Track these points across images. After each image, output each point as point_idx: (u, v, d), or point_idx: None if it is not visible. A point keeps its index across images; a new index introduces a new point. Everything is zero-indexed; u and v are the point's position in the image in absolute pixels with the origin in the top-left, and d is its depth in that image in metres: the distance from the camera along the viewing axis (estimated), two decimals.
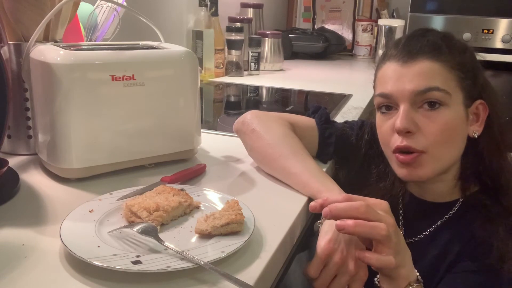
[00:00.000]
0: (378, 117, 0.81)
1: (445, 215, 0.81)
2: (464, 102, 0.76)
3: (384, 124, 0.79)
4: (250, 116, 0.87)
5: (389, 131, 0.77)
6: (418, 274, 0.67)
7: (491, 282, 0.71)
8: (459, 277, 0.74)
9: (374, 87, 0.84)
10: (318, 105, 0.96)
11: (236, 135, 0.91)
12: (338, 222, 0.60)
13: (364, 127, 0.93)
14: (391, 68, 0.77)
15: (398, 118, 0.74)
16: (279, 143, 0.81)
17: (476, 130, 0.78)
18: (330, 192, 0.71)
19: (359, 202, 0.62)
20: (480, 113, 0.78)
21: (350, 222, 0.60)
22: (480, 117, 0.78)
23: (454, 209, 0.80)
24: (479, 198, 0.79)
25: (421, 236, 0.82)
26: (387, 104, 0.78)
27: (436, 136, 0.74)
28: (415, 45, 0.76)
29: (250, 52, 1.90)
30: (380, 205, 0.65)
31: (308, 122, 0.92)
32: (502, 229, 0.73)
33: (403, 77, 0.75)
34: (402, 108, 0.75)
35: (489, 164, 0.78)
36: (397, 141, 0.75)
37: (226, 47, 1.85)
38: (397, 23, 2.40)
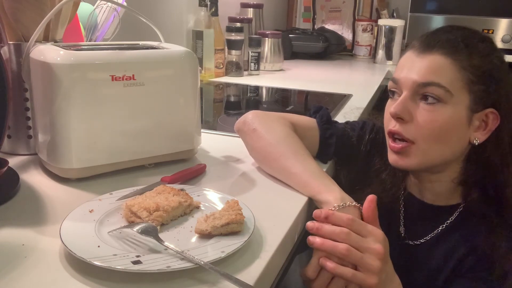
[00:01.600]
0: (388, 101, 0.83)
1: (446, 220, 0.80)
2: (471, 106, 0.74)
3: (389, 107, 0.80)
4: (251, 116, 0.87)
5: (389, 115, 0.79)
6: None
7: None
8: None
9: None
10: (320, 105, 0.96)
11: (236, 135, 0.91)
12: (310, 237, 0.66)
13: (366, 128, 0.93)
14: (407, 57, 0.79)
15: (394, 104, 0.76)
16: (280, 143, 0.81)
17: (478, 138, 0.76)
18: (331, 193, 0.71)
19: (341, 228, 0.65)
20: (489, 122, 0.76)
21: (318, 240, 0.65)
22: (488, 126, 0.76)
23: (455, 214, 0.80)
24: (480, 205, 0.78)
25: (422, 240, 0.82)
26: (394, 89, 0.79)
27: (427, 129, 0.74)
28: (435, 38, 0.77)
29: (250, 52, 1.90)
30: (376, 235, 0.65)
31: (309, 122, 0.92)
32: (504, 244, 0.73)
33: (414, 66, 0.76)
34: (403, 95, 0.76)
35: (493, 175, 0.77)
36: (391, 124, 0.78)
37: (226, 47, 1.85)
38: (397, 23, 2.40)
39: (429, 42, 0.76)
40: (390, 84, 0.81)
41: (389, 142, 0.79)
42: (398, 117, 0.76)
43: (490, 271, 0.72)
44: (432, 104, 0.74)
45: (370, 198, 0.68)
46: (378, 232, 0.66)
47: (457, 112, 0.74)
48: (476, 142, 0.76)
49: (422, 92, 0.74)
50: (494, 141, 0.77)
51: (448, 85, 0.73)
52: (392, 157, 0.79)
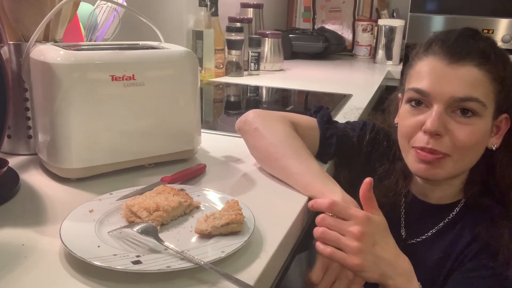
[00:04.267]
0: (405, 108, 0.78)
1: (447, 216, 0.80)
2: (494, 114, 0.75)
3: (411, 117, 0.76)
4: (252, 115, 0.87)
5: (414, 126, 0.76)
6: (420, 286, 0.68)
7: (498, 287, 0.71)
8: (465, 283, 0.73)
9: (406, 76, 0.81)
10: (320, 105, 0.96)
11: (237, 135, 0.91)
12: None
13: (366, 128, 0.93)
14: (433, 65, 0.74)
15: (430, 119, 0.72)
16: (281, 143, 0.81)
17: (494, 142, 0.77)
18: (332, 194, 0.72)
19: (321, 215, 0.67)
20: (502, 126, 0.77)
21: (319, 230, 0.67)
22: (500, 130, 0.77)
23: (456, 210, 0.80)
24: (482, 199, 0.78)
25: (423, 237, 0.82)
26: (419, 99, 0.76)
27: (464, 143, 0.72)
28: (464, 46, 0.73)
29: (250, 52, 1.90)
30: (357, 217, 0.66)
31: (309, 121, 0.92)
32: (507, 234, 0.73)
33: (445, 78, 0.72)
34: (436, 109, 0.72)
35: (500, 177, 0.77)
36: (423, 141, 0.74)
37: (226, 47, 1.85)
38: (397, 23, 2.40)
39: (459, 51, 0.73)
40: (412, 94, 0.76)
41: (415, 151, 0.76)
42: (435, 134, 0.72)
43: (493, 259, 0.72)
44: (468, 117, 0.72)
45: (367, 181, 0.68)
46: (359, 214, 0.66)
47: (487, 122, 0.74)
48: (494, 147, 0.76)
49: (459, 106, 0.72)
50: (503, 145, 0.77)
51: (484, 98, 0.72)
52: (420, 166, 0.76)
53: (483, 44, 0.74)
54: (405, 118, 0.78)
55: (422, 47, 0.78)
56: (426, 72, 0.75)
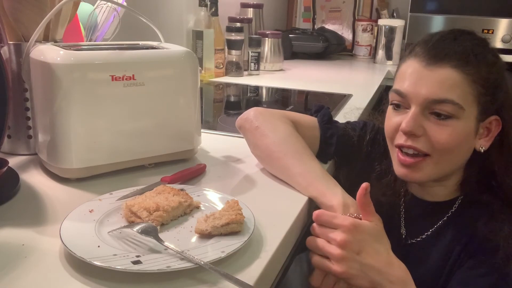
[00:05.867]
0: (389, 109, 0.80)
1: (446, 214, 0.80)
2: (478, 116, 0.74)
3: (393, 118, 0.77)
4: (253, 113, 0.87)
5: (395, 127, 0.77)
6: None
7: (500, 284, 0.71)
8: (466, 282, 0.73)
9: (394, 78, 0.81)
10: (321, 105, 0.96)
11: (237, 135, 0.91)
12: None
13: (366, 128, 0.93)
14: (412, 66, 0.75)
15: (405, 120, 0.73)
16: (284, 142, 0.81)
17: (483, 145, 0.76)
18: (333, 196, 0.72)
19: (313, 224, 0.70)
20: (492, 128, 0.76)
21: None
22: (490, 132, 0.76)
23: (454, 207, 0.80)
24: (480, 194, 0.78)
25: (423, 236, 0.82)
26: (400, 102, 0.76)
27: (441, 144, 0.72)
28: (443, 48, 0.73)
29: (250, 52, 1.90)
30: (343, 225, 0.67)
31: (310, 121, 0.92)
32: (507, 228, 0.73)
33: (422, 79, 0.73)
34: (412, 110, 0.73)
35: (501, 179, 0.77)
36: (401, 139, 0.75)
37: (226, 47, 1.85)
38: (397, 23, 2.40)
39: (437, 53, 0.73)
40: (393, 96, 0.77)
41: (397, 154, 0.77)
42: (411, 134, 0.73)
43: (493, 254, 0.71)
44: (445, 119, 0.72)
45: (363, 186, 0.68)
46: (345, 223, 0.66)
47: (468, 125, 0.73)
48: (482, 150, 0.76)
49: (434, 108, 0.72)
50: (498, 147, 0.77)
51: (461, 101, 0.71)
52: (401, 170, 0.77)
53: (464, 45, 0.74)
54: (389, 118, 0.79)
55: (409, 49, 0.79)
56: (405, 73, 0.75)
